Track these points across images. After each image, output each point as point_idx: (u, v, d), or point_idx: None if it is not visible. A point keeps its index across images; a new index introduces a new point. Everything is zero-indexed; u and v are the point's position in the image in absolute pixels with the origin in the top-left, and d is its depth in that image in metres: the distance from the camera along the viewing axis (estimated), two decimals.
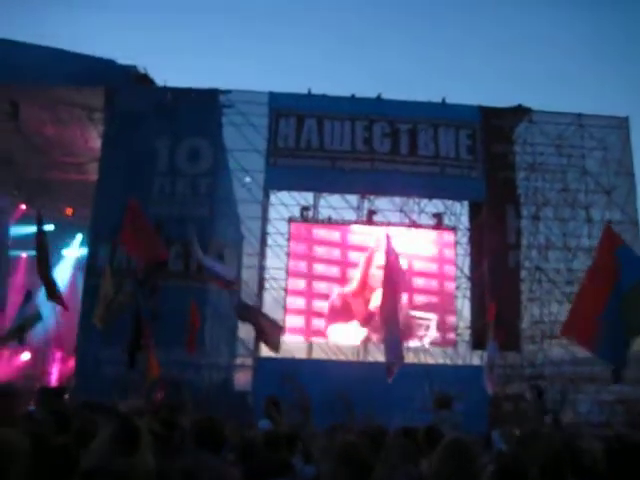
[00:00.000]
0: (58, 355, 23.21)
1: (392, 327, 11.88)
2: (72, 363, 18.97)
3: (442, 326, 19.97)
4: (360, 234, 20.50)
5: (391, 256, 12.32)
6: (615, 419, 19.00)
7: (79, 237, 25.39)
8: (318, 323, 19.57)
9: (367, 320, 19.40)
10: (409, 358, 19.47)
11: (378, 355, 20.29)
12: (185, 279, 18.71)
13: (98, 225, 18.97)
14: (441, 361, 20.42)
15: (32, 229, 13.94)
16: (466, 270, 21.20)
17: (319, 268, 19.91)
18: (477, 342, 20.08)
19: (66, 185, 23.46)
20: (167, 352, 13.71)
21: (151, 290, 15.15)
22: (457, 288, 20.76)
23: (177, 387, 10.78)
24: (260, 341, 15.71)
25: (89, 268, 18.65)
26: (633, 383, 19.69)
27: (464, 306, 20.98)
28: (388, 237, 12.74)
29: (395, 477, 5.07)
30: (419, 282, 20.30)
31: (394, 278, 12.17)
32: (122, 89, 19.97)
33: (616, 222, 20.73)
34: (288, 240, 20.12)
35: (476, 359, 20.59)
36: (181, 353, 14.86)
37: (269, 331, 14.68)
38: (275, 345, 15.01)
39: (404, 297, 12.67)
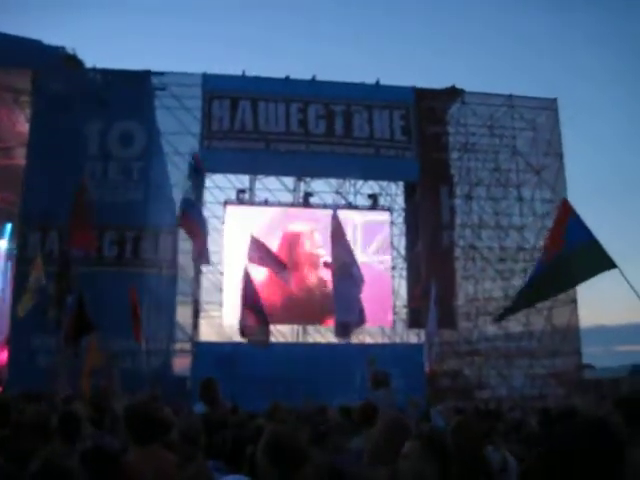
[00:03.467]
0: None
1: (347, 288, 12.16)
2: (5, 354, 18.45)
3: (379, 306, 20.17)
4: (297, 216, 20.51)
5: (339, 232, 12.57)
6: (549, 392, 19.63)
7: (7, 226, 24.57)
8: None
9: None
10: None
11: (318, 336, 20.43)
12: (119, 265, 18.40)
13: (27, 212, 18.43)
14: (379, 340, 20.66)
15: None
16: (402, 250, 21.45)
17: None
18: (414, 321, 20.39)
19: None
20: (103, 340, 13.42)
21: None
22: (393, 268, 20.98)
23: (111, 374, 10.58)
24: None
25: (19, 257, 18.13)
26: (564, 356, 20.39)
27: (400, 285, 21.27)
28: (335, 216, 12.96)
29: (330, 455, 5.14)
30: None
31: (345, 246, 12.47)
32: (50, 71, 19.35)
33: (546, 201, 21.35)
34: (224, 223, 19.96)
35: (413, 337, 20.93)
36: (117, 340, 14.63)
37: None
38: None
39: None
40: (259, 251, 14.82)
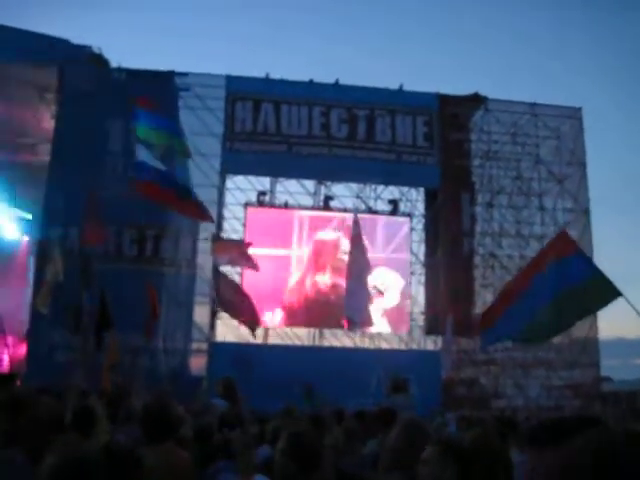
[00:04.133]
0: (9, 340, 22.70)
1: (358, 289, 12.38)
2: (24, 348, 18.60)
3: (396, 312, 20.13)
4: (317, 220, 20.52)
5: (358, 236, 12.76)
6: (565, 403, 19.44)
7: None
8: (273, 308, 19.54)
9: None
10: (364, 343, 19.64)
11: (334, 340, 20.40)
12: (139, 263, 18.51)
13: (49, 208, 18.58)
14: (396, 346, 20.59)
15: None
16: (421, 256, 21.37)
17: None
18: (431, 327, 20.30)
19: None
20: (122, 337, 13.49)
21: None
22: (412, 274, 20.91)
23: (130, 372, 10.70)
24: (239, 322, 15.49)
25: (40, 252, 18.26)
26: (582, 368, 20.19)
27: (419, 292, 21.19)
28: (356, 220, 13.17)
29: (342, 459, 5.12)
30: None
31: (362, 251, 12.66)
32: (75, 69, 19.52)
33: (567, 210, 21.18)
34: (244, 225, 20.01)
35: (430, 344, 20.84)
36: (136, 338, 14.70)
37: (247, 310, 14.61)
38: (253, 325, 14.90)
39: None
40: (229, 253, 14.93)
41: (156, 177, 12.88)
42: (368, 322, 13.36)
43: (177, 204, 13.44)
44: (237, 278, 19.65)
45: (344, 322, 14.20)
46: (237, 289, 15.26)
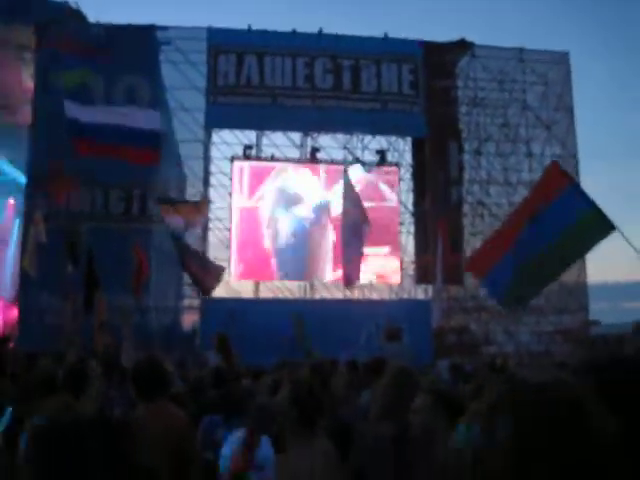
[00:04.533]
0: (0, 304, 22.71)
1: (355, 247, 12.25)
2: (15, 312, 18.59)
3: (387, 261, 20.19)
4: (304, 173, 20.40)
5: (350, 188, 12.54)
6: (555, 348, 19.69)
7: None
8: (261, 261, 19.56)
9: None
10: (354, 294, 19.73)
11: (325, 293, 20.48)
12: (127, 222, 18.40)
13: (33, 169, 18.37)
14: (386, 296, 20.70)
15: None
16: (410, 206, 21.35)
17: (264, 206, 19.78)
18: (421, 276, 20.40)
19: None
20: (111, 296, 13.46)
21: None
22: (401, 224, 20.90)
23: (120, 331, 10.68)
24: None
25: (26, 214, 18.11)
26: (571, 313, 20.40)
27: (408, 241, 21.23)
28: (346, 172, 12.95)
29: (340, 409, 5.15)
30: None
31: (355, 204, 12.46)
32: (53, 26, 19.07)
33: (556, 156, 21.10)
34: (231, 179, 19.88)
35: (421, 293, 20.97)
36: (125, 297, 14.66)
37: (201, 276, 14.54)
38: (207, 289, 14.90)
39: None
40: (184, 216, 14.72)
41: (90, 132, 12.58)
42: (358, 277, 13.30)
43: (120, 153, 13.11)
44: (226, 234, 19.65)
45: (342, 278, 14.03)
46: (198, 258, 15.06)
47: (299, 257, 19.57)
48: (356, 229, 12.70)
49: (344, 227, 12.74)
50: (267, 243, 19.53)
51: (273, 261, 19.53)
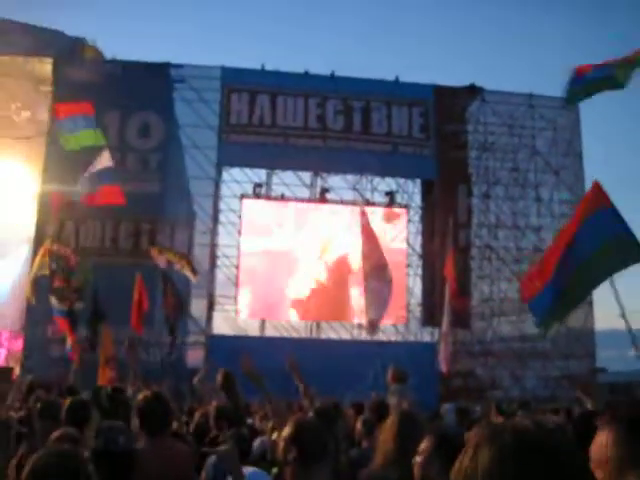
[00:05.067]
0: (5, 335, 22.69)
1: (380, 289, 11.93)
2: (20, 343, 18.58)
3: (393, 303, 20.10)
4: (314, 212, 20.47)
5: (369, 229, 12.28)
6: (561, 394, 19.45)
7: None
8: (272, 301, 19.52)
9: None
10: (361, 335, 19.64)
11: (331, 333, 20.40)
12: (135, 257, 18.44)
13: (46, 199, 18.52)
14: (393, 338, 20.59)
15: None
16: (417, 248, 21.36)
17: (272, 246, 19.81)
18: (428, 319, 20.31)
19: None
20: (116, 331, 13.45)
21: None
22: (408, 266, 20.89)
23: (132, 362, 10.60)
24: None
25: (35, 244, 18.21)
26: (578, 358, 20.22)
27: (415, 283, 21.19)
28: (364, 212, 12.71)
29: (358, 453, 5.10)
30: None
31: (376, 243, 12.20)
32: (70, 60, 19.43)
33: (564, 201, 21.17)
34: (240, 217, 19.97)
35: (427, 336, 20.85)
36: (128, 332, 14.61)
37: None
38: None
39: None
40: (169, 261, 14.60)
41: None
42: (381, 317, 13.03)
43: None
44: (234, 271, 19.66)
45: (366, 324, 13.71)
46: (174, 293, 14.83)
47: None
48: (382, 273, 12.36)
49: (368, 271, 12.37)
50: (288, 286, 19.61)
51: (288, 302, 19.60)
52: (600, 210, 6.54)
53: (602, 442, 1.81)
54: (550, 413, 9.48)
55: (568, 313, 8.27)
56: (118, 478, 3.11)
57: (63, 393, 7.69)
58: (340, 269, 19.70)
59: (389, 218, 19.98)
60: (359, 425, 5.35)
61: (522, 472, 1.21)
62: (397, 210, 20.92)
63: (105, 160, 12.87)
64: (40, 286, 14.30)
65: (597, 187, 6.72)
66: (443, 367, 12.48)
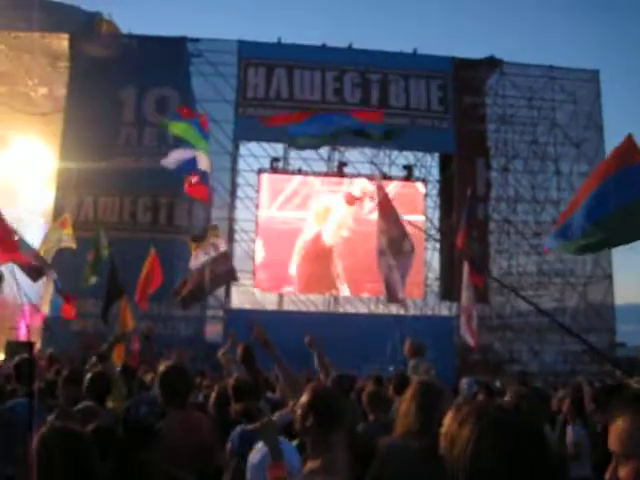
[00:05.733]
0: (26, 308, 22.91)
1: (400, 265, 11.74)
2: (41, 316, 18.77)
3: (410, 277, 20.03)
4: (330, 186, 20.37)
5: (386, 203, 11.99)
6: (581, 368, 19.40)
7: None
8: (284, 275, 19.55)
9: None
10: (378, 309, 19.65)
11: (348, 307, 20.43)
12: (153, 232, 18.52)
13: (64, 177, 18.63)
14: (411, 312, 20.57)
15: None
16: (435, 222, 21.27)
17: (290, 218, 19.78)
18: (446, 293, 20.27)
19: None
20: (134, 305, 13.51)
21: None
22: (426, 240, 20.80)
23: (147, 339, 10.67)
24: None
25: (55, 219, 18.33)
26: (598, 333, 20.12)
27: (433, 257, 21.13)
28: (381, 186, 12.40)
29: (365, 426, 5.11)
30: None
31: (393, 219, 11.94)
32: (87, 36, 19.39)
33: (584, 175, 20.91)
34: (257, 192, 19.94)
35: (445, 310, 20.83)
36: (150, 305, 14.71)
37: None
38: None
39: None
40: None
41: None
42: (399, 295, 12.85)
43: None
44: (251, 245, 19.70)
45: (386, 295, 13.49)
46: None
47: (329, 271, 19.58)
48: (397, 248, 12.08)
49: (384, 249, 12.14)
50: (295, 257, 19.53)
51: (297, 273, 19.53)
52: (632, 166, 6.35)
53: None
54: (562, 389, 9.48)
55: (582, 250, 7.99)
56: (140, 447, 3.13)
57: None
58: (316, 243, 19.65)
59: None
60: (365, 398, 5.36)
61: (499, 448, 1.48)
62: (415, 184, 20.76)
63: (205, 164, 12.98)
64: (59, 260, 14.37)
65: (630, 140, 6.52)
66: (471, 341, 12.44)
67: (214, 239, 13.61)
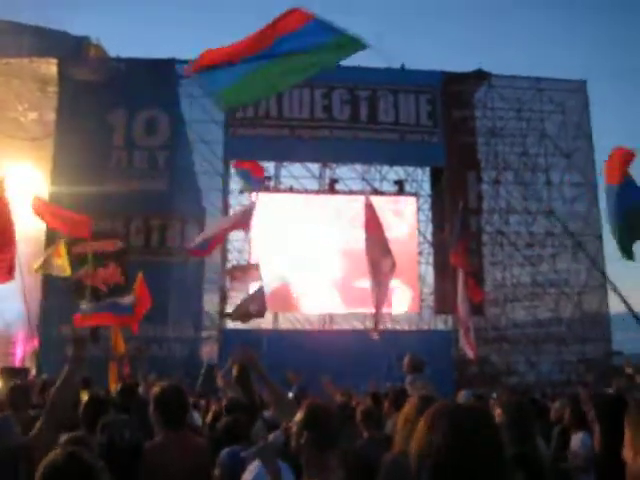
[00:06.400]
0: (21, 335, 22.79)
1: (378, 288, 11.63)
2: (36, 342, 18.66)
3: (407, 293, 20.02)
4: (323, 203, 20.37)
5: (372, 222, 11.84)
6: (577, 378, 19.38)
7: None
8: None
9: None
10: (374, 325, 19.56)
11: (344, 324, 20.36)
12: (145, 254, 18.48)
13: (55, 200, 18.58)
14: (406, 327, 20.54)
15: None
16: (428, 236, 21.28)
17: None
18: (441, 307, 20.24)
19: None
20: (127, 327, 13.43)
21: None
22: (420, 254, 20.81)
23: (140, 362, 10.59)
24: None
25: (47, 244, 18.24)
26: (593, 342, 20.12)
27: (427, 272, 21.12)
28: (369, 205, 12.20)
29: (359, 443, 5.06)
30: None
31: (377, 241, 11.77)
32: (75, 60, 19.44)
33: (575, 184, 21.03)
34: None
35: (440, 324, 20.80)
36: (144, 327, 14.63)
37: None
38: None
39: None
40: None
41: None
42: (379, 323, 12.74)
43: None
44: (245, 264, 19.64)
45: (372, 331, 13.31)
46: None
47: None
48: (377, 268, 11.94)
49: (369, 267, 12.00)
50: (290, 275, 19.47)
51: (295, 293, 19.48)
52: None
53: None
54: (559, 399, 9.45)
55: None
56: (125, 472, 3.09)
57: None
58: None
59: None
60: (359, 416, 5.32)
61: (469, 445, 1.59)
62: (406, 199, 20.81)
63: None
64: (54, 286, 14.33)
65: (621, 150, 6.61)
66: (470, 353, 12.37)
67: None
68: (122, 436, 3.14)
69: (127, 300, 11.57)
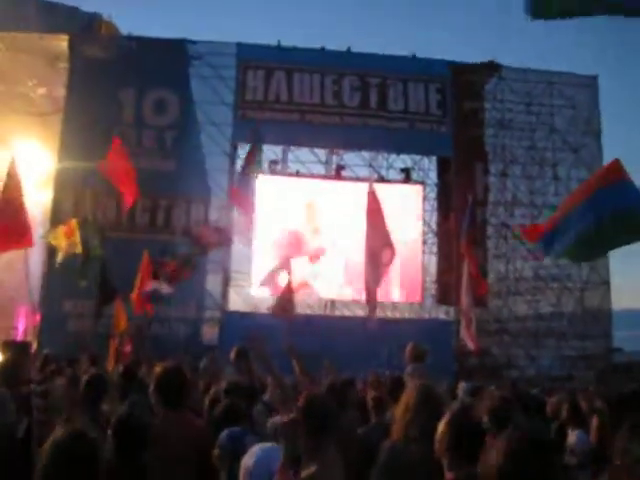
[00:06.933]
0: (23, 310, 22.87)
1: (371, 275, 11.58)
2: (38, 318, 18.74)
3: (408, 281, 19.99)
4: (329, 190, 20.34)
5: (375, 211, 11.74)
6: (577, 374, 19.43)
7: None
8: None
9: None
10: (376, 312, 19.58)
11: (345, 310, 20.41)
12: (151, 233, 18.51)
13: (62, 177, 18.62)
14: (407, 316, 20.57)
15: None
16: (433, 225, 21.26)
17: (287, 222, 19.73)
18: (443, 297, 20.26)
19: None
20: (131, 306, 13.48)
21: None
22: (424, 243, 20.81)
23: (140, 341, 10.66)
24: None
25: (52, 221, 18.29)
26: (594, 338, 20.15)
27: (430, 261, 21.11)
28: (372, 192, 12.11)
29: (364, 429, 5.11)
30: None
31: (378, 231, 11.69)
32: (86, 36, 19.40)
33: (582, 180, 20.93)
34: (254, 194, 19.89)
35: (442, 314, 20.83)
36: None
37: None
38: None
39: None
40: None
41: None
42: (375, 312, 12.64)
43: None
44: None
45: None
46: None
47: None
48: (375, 258, 11.80)
49: (367, 256, 11.93)
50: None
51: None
52: (617, 183, 6.49)
53: None
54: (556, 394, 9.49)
55: (579, 256, 8.14)
56: (132, 451, 3.13)
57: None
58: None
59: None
60: (370, 402, 5.38)
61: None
62: (412, 187, 20.77)
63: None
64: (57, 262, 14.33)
65: (617, 163, 6.67)
66: (471, 345, 12.39)
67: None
68: (130, 416, 3.19)
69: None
